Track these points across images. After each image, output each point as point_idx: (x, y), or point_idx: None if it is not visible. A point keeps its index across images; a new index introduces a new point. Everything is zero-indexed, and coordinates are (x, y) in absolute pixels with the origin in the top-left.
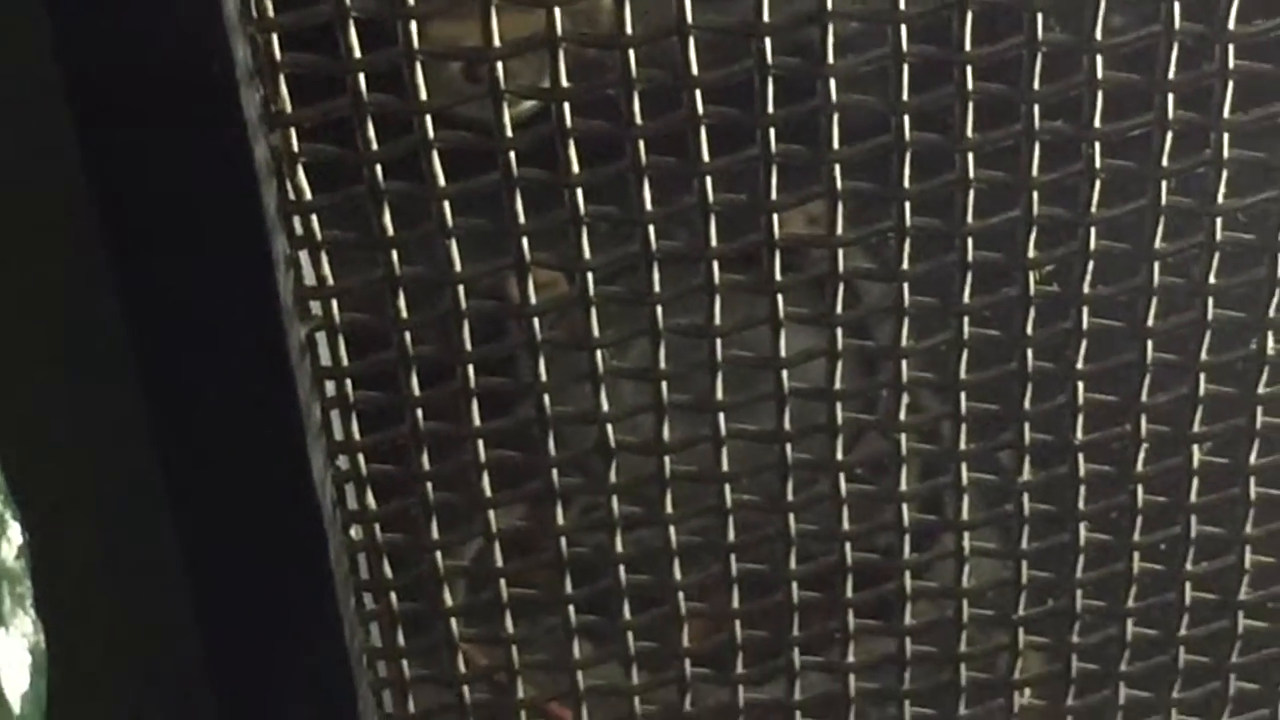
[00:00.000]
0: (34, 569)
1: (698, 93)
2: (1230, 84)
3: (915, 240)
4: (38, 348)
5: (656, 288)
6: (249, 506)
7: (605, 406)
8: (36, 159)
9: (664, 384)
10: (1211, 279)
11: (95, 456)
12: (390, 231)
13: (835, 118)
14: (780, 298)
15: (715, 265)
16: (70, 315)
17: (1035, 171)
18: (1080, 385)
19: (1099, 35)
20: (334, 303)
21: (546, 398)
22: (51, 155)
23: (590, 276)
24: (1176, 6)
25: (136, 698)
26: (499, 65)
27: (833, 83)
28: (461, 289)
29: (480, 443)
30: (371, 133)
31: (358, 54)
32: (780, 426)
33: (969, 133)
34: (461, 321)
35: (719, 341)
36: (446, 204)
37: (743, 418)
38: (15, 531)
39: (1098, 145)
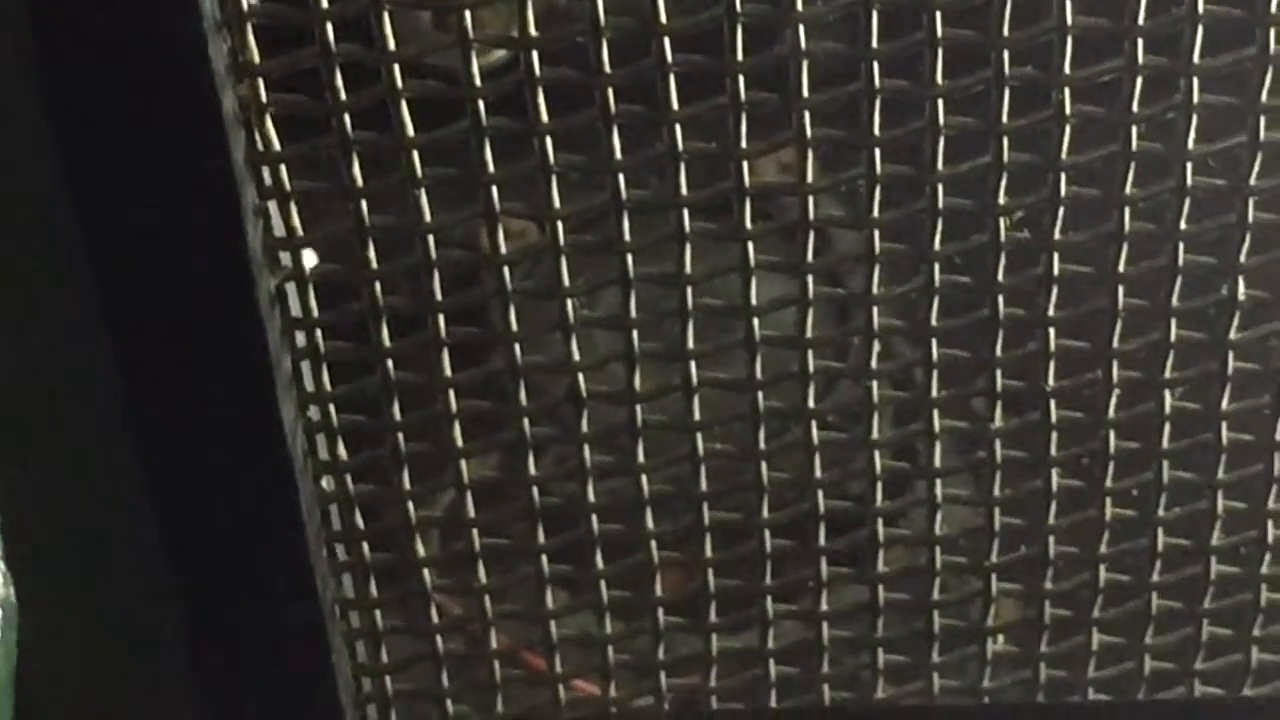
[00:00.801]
0: (3, 525)
1: (666, 40)
2: (1200, 28)
3: (886, 187)
4: (2, 301)
5: (627, 236)
6: (219, 458)
7: (576, 356)
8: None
9: (635, 332)
10: (1182, 224)
11: (63, 412)
12: (360, 182)
13: (805, 65)
14: (751, 245)
15: (686, 213)
16: (36, 267)
17: (1005, 118)
18: (1052, 331)
19: None
20: (304, 253)
21: (518, 347)
22: (15, 106)
23: (560, 225)
24: None
25: (108, 653)
26: (467, 14)
27: (801, 30)
28: (431, 239)
29: (452, 393)
30: (340, 83)
31: (325, 3)
32: (752, 374)
33: (939, 79)
34: (432, 271)
35: (690, 290)
36: (416, 154)
37: (714, 366)
38: None
39: (1068, 91)
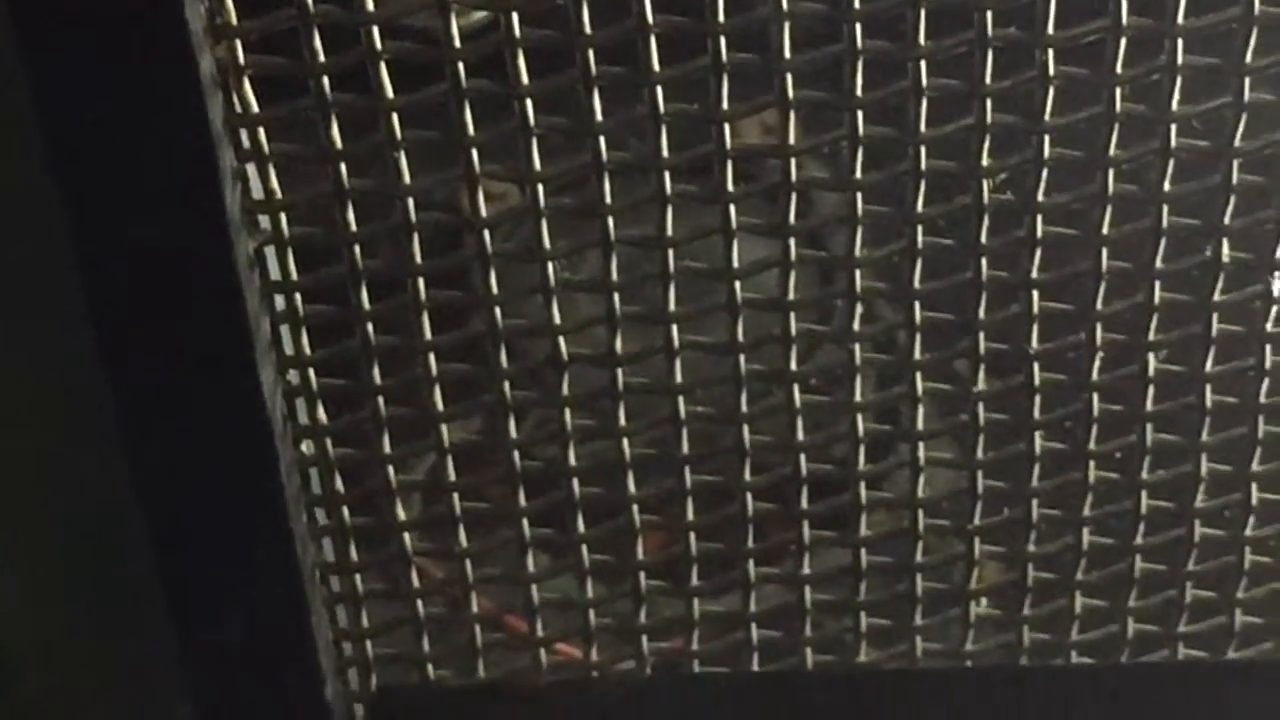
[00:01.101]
0: None
1: (647, 2)
2: None
3: (868, 149)
4: None
5: (608, 199)
6: (198, 422)
7: (558, 319)
8: None
9: (616, 295)
10: (1166, 186)
11: (43, 377)
12: (339, 144)
13: (786, 26)
14: (733, 208)
15: (667, 175)
16: (13, 236)
17: (989, 79)
18: (1035, 294)
19: None
20: (283, 216)
21: (498, 310)
22: None
23: (541, 188)
24: None
25: (89, 611)
26: None
27: None
28: (411, 201)
29: (432, 356)
30: (319, 44)
31: None
32: (734, 338)
33: (921, 40)
34: (412, 234)
35: (671, 252)
36: (395, 116)
37: (696, 329)
38: None
39: (1051, 52)
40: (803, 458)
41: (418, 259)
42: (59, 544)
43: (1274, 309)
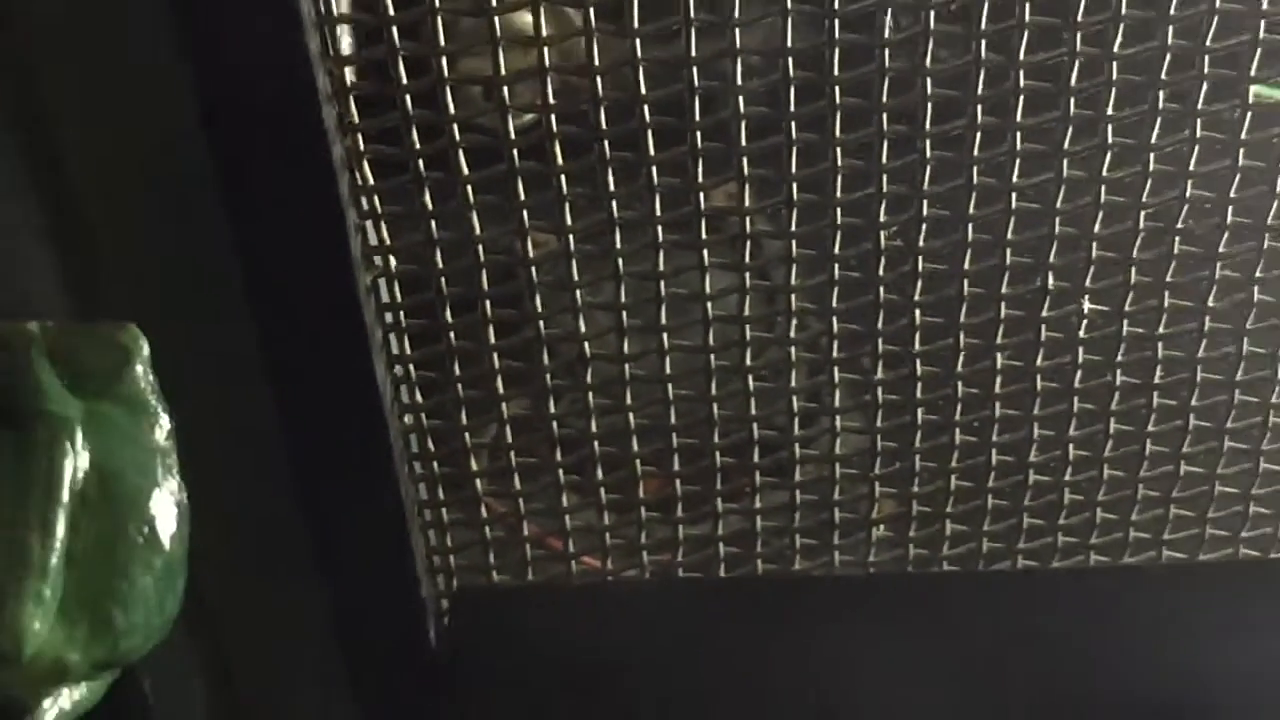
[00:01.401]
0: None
1: (646, 107)
2: (1021, 99)
3: (801, 210)
4: (183, 299)
5: (619, 245)
6: (333, 403)
7: (584, 329)
8: (179, 171)
9: (624, 313)
10: (1009, 235)
11: (225, 370)
12: (430, 207)
13: (744, 123)
14: (705, 251)
15: (660, 229)
16: (205, 275)
17: (885, 159)
18: (918, 312)
19: (929, 63)
20: (390, 258)
21: (542, 324)
22: (191, 169)
23: (572, 237)
24: None
25: (249, 539)
26: (505, 88)
27: (741, 99)
28: (480, 247)
29: (495, 355)
30: (415, 137)
31: (405, 81)
32: (706, 342)
33: (838, 133)
34: (481, 270)
35: (663, 282)
36: (469, 187)
37: (680, 336)
38: (165, 420)
39: (928, 141)
40: (755, 426)
41: (485, 286)
42: (229, 490)
43: (1084, 321)
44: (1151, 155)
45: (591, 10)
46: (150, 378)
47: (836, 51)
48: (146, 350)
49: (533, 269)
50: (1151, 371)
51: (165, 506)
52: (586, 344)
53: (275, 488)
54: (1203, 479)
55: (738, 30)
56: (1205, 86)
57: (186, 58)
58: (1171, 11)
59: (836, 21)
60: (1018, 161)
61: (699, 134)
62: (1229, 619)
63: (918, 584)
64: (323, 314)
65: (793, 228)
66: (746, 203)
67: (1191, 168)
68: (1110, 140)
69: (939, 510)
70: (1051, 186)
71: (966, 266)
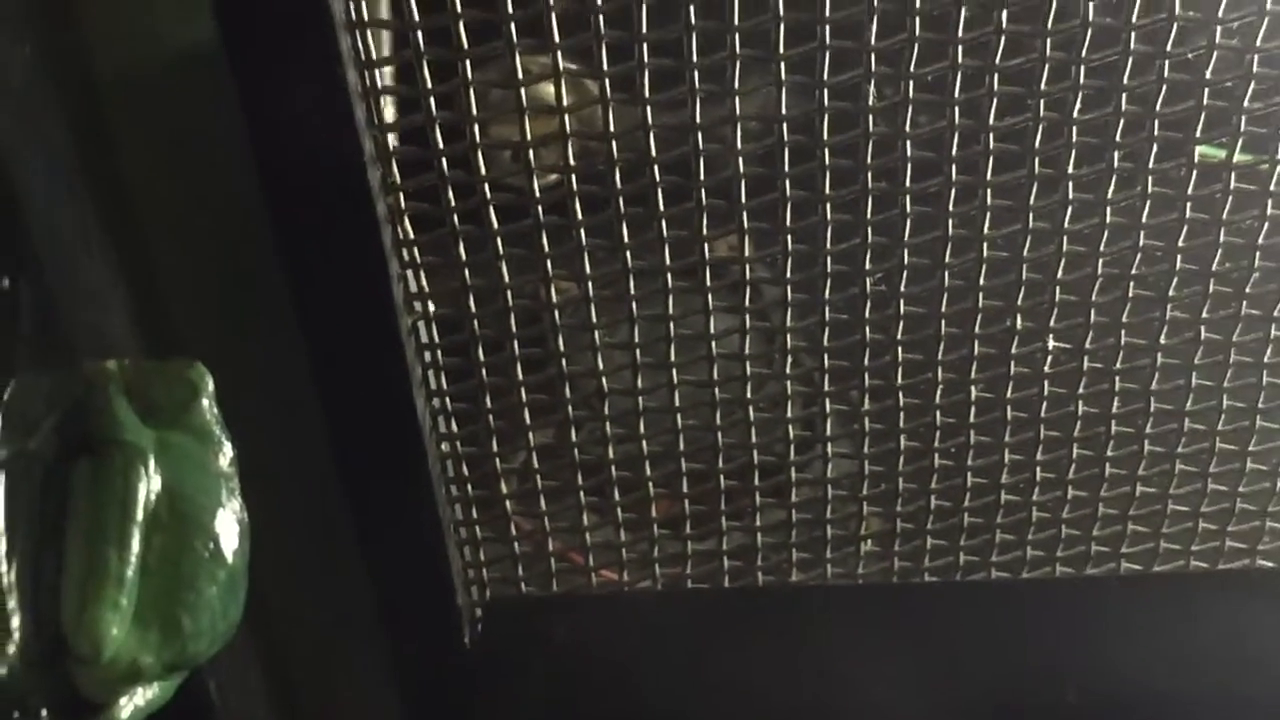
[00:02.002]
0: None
1: (656, 167)
2: (991, 158)
3: (795, 259)
4: (244, 340)
5: (633, 290)
6: (379, 432)
7: (601, 366)
8: (246, 229)
9: (638, 351)
10: (981, 281)
11: (280, 407)
12: (464, 257)
13: (743, 182)
14: (710, 296)
15: (669, 276)
16: (264, 320)
17: (870, 214)
18: (900, 350)
19: (908, 127)
20: (429, 302)
21: (564, 361)
22: (252, 224)
23: (590, 284)
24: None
25: (306, 557)
26: (530, 151)
27: (740, 160)
28: (509, 293)
29: (523, 389)
30: (451, 195)
31: (441, 145)
32: (711, 377)
33: (828, 189)
34: (509, 313)
35: (672, 324)
36: (499, 239)
37: (688, 372)
38: (228, 447)
39: (908, 198)
40: (755, 452)
41: (513, 328)
42: (285, 507)
43: (1049, 357)
44: (1108, 209)
45: (607, 81)
46: (214, 410)
47: (826, 117)
48: (211, 385)
49: (556, 312)
50: (1110, 402)
51: (228, 525)
52: (604, 379)
53: (327, 507)
54: (1157, 498)
55: (737, 98)
56: (1155, 148)
57: (248, 128)
58: (1124, 80)
59: (825, 91)
60: (988, 215)
61: (703, 191)
62: (1180, 622)
63: (902, 593)
64: (369, 353)
65: (788, 274)
66: (747, 252)
67: (1144, 220)
68: (1070, 196)
69: (921, 527)
70: (1019, 237)
71: (944, 309)
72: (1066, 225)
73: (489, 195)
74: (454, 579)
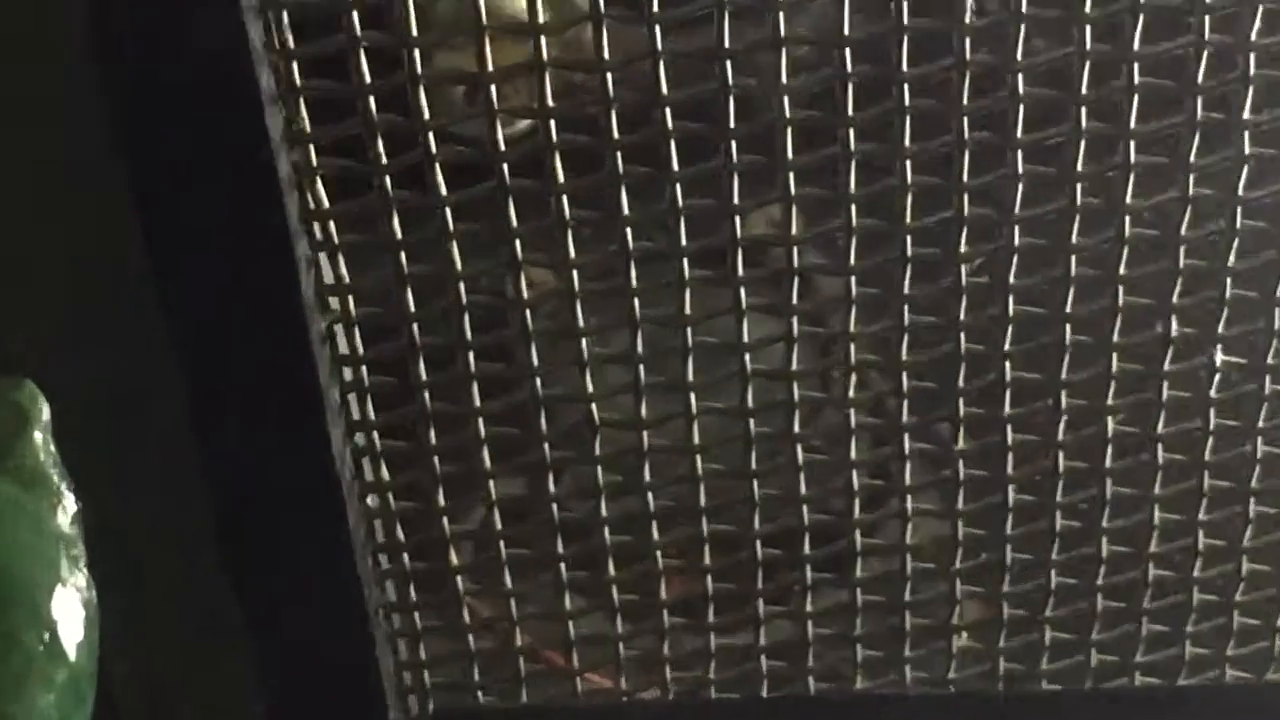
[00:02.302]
0: (85, 535)
1: (668, 110)
2: (1136, 98)
3: (861, 238)
4: (89, 343)
5: (634, 283)
6: (276, 479)
7: (591, 388)
8: (87, 183)
9: (642, 367)
10: (1122, 270)
11: (139, 435)
12: (399, 235)
13: (789, 131)
14: (743, 290)
15: (685, 262)
16: (119, 313)
17: (966, 177)
18: (1008, 365)
19: (1020, 56)
20: (350, 298)
21: (539, 381)
22: (101, 179)
23: (576, 273)
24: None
25: (174, 647)
26: (492, 87)
27: (786, 100)
28: (462, 285)
29: (481, 421)
30: (381, 148)
31: (368, 79)
32: (744, 404)
33: (907, 143)
34: (463, 314)
35: (689, 329)
36: (448, 211)
37: (712, 396)
38: (70, 501)
39: (1020, 153)
40: (805, 509)
41: (468, 335)
42: (147, 584)
43: (1216, 377)
44: None
45: None
46: (51, 448)
47: (905, 40)
48: (47, 413)
49: (528, 313)
50: None
51: (70, 607)
52: (594, 406)
53: (208, 587)
54: None
55: (781, 15)
56: None
57: (100, 46)
58: None
59: (904, 2)
60: (1132, 177)
61: (734, 144)
62: None
63: (1011, 707)
64: (265, 369)
65: (851, 261)
66: (793, 231)
67: None
68: (1247, 150)
69: (1036, 614)
70: (1176, 207)
71: (1068, 308)
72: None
73: (434, 148)
74: (384, 685)
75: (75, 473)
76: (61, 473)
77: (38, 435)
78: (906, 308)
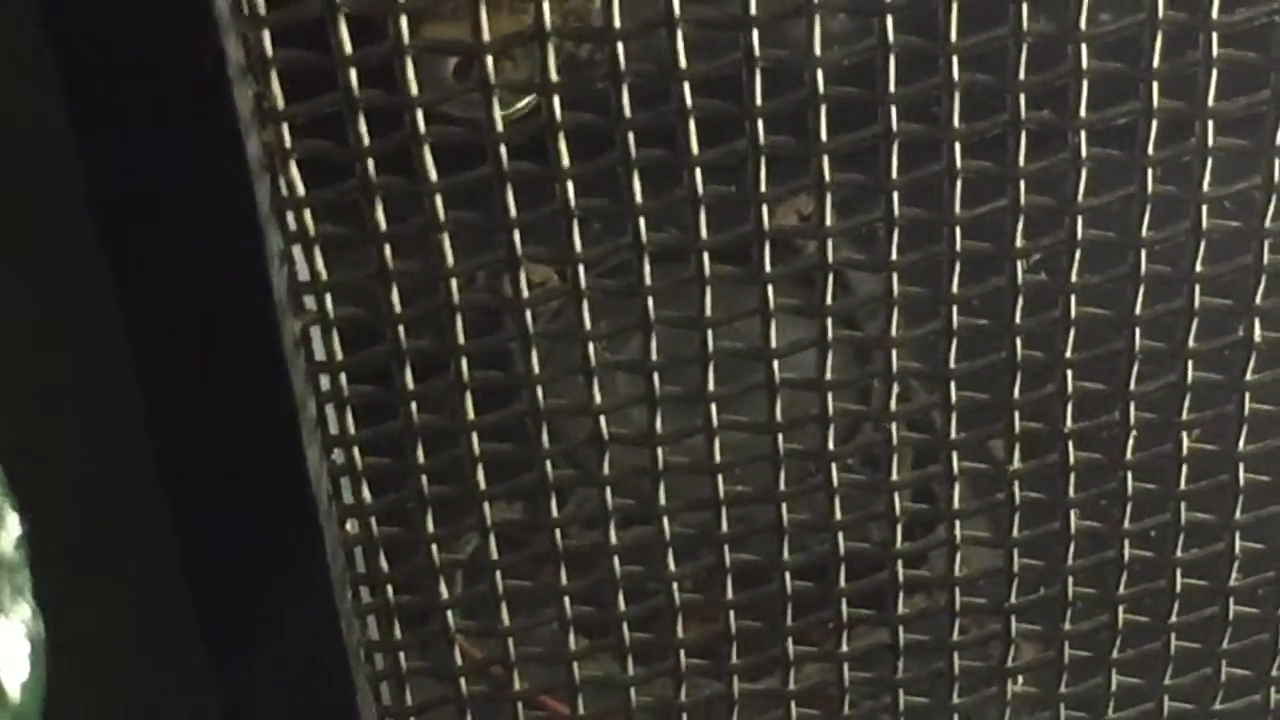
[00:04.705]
0: (32, 560)
1: (686, 85)
2: (1214, 72)
3: (904, 231)
4: (34, 344)
5: (648, 280)
6: (245, 501)
7: (598, 399)
8: (34, 156)
9: (656, 376)
10: (1198, 267)
11: (92, 450)
12: (383, 226)
13: (823, 109)
14: (770, 289)
15: (706, 257)
16: (67, 311)
17: (1022, 161)
18: (1069, 373)
19: (1084, 25)
20: (328, 297)
21: (540, 391)
22: (49, 152)
23: (582, 270)
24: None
25: (133, 689)
26: (488, 60)
27: (820, 74)
28: (454, 283)
29: (475, 436)
30: (363, 128)
31: (349, 49)
32: (772, 417)
33: (956, 123)
34: (454, 315)
35: (710, 333)
36: (438, 198)
37: (735, 409)
38: (14, 522)
39: (1084, 134)
40: (841, 536)
41: (460, 339)
42: (100, 617)
43: None
44: None
45: None
46: None
47: (955, 7)
48: None
49: (528, 314)
50: None
51: (13, 642)
52: (602, 420)
53: (170, 621)
54: None
55: None
56: None
57: (49, 17)
58: None
59: None
60: (1209, 161)
61: (760, 124)
62: None
63: None
64: (230, 377)
65: (892, 256)
66: (827, 221)
67: None
68: None
69: (1101, 656)
70: (1259, 195)
71: (1138, 311)
72: None
73: (422, 128)
74: None
75: (20, 491)
76: (6, 491)
77: None
78: (954, 309)
